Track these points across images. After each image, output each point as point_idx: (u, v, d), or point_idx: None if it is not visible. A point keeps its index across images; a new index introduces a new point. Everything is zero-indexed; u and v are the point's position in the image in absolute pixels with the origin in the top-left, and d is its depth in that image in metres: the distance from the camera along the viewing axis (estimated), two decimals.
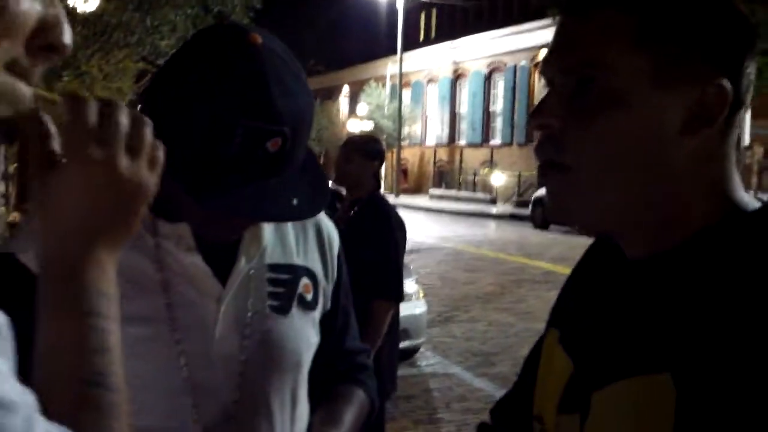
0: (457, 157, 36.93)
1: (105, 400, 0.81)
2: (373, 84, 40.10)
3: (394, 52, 39.26)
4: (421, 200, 33.07)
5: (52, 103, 0.76)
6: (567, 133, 0.92)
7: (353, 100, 44.91)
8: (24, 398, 0.64)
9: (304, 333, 1.48)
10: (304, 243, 1.54)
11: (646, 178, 0.91)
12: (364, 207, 4.31)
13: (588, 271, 1.11)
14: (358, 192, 4.35)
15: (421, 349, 7.96)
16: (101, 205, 0.82)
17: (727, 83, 0.88)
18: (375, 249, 4.13)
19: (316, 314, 1.53)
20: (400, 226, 4.26)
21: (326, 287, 1.57)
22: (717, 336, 0.82)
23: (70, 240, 0.82)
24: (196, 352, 1.35)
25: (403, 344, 7.04)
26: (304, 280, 1.51)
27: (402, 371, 7.35)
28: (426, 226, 21.46)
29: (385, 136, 34.20)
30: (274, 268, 1.47)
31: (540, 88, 29.35)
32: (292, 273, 1.49)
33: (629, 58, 0.89)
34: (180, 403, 1.34)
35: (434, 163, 39.22)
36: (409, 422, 6.23)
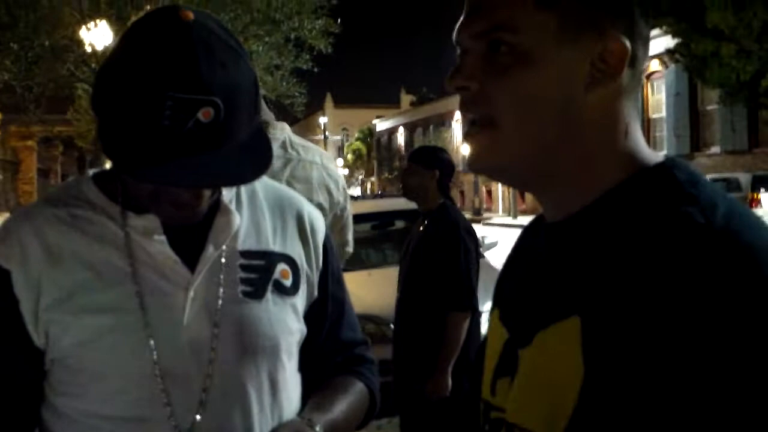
0: None
1: None
2: None
3: None
4: None
5: None
6: (485, 92, 0.97)
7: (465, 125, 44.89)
8: None
9: (282, 318, 1.46)
10: (282, 230, 1.54)
11: (557, 132, 0.95)
12: (433, 220, 4.27)
13: (519, 246, 1.17)
14: (426, 205, 4.32)
15: None
16: None
17: (625, 39, 0.94)
18: (445, 261, 4.10)
19: (297, 300, 1.51)
20: (469, 235, 4.20)
21: (310, 274, 1.55)
22: (619, 281, 0.86)
23: None
24: (166, 340, 1.36)
25: None
26: (281, 266, 1.49)
27: None
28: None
29: None
30: (247, 254, 1.46)
31: (652, 99, 28.65)
32: (266, 259, 1.48)
33: (533, 17, 0.94)
34: (151, 391, 1.35)
35: None
36: None
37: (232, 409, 1.39)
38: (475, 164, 1.01)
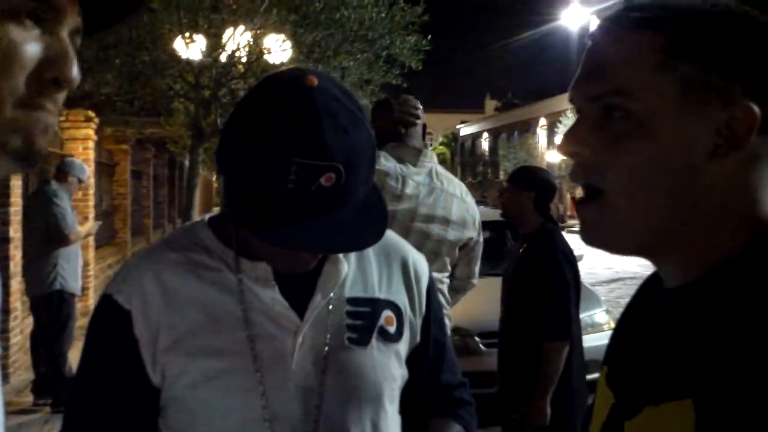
0: None
1: None
2: (570, 114, 39.46)
3: None
4: None
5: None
6: (597, 160, 0.92)
7: (551, 131, 44.47)
8: None
9: (385, 364, 1.51)
10: (387, 277, 1.58)
11: (676, 202, 0.89)
12: (531, 243, 4.19)
13: (636, 305, 1.10)
14: (525, 227, 4.25)
15: None
16: None
17: (754, 105, 0.86)
18: (541, 289, 4.03)
19: (401, 347, 1.55)
20: (568, 262, 4.10)
21: (413, 320, 1.59)
22: (739, 363, 0.80)
23: None
24: (275, 384, 1.42)
25: (595, 375, 6.84)
26: (386, 313, 1.54)
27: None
28: None
29: None
30: (354, 301, 1.52)
31: None
32: (372, 306, 1.53)
33: (652, 83, 0.88)
34: None
35: None
36: None
37: None
38: (584, 237, 0.97)
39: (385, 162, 3.08)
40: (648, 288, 1.08)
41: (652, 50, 0.89)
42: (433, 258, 3.07)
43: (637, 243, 0.94)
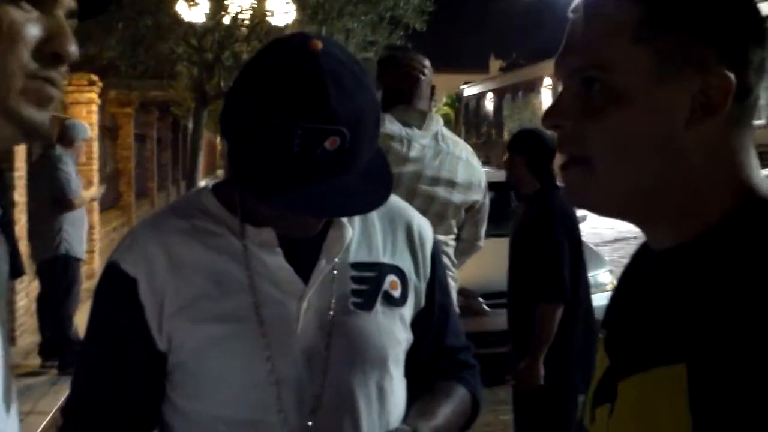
0: None
1: None
2: None
3: None
4: None
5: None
6: (581, 130, 0.94)
7: (555, 92, 44.18)
8: None
9: (390, 329, 1.52)
10: (392, 241, 1.59)
11: (658, 168, 0.91)
12: (530, 206, 4.24)
13: (632, 269, 1.11)
14: (524, 190, 4.31)
15: None
16: None
17: (729, 72, 0.88)
18: (535, 251, 4.08)
19: (405, 311, 1.56)
20: (564, 226, 4.11)
21: (418, 284, 1.60)
22: (732, 328, 0.81)
23: None
24: (281, 348, 1.43)
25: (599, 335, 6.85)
26: (391, 277, 1.54)
27: None
28: None
29: None
30: (358, 266, 1.52)
31: None
32: (376, 271, 1.53)
33: (629, 56, 0.90)
34: (264, 395, 1.42)
35: None
36: None
37: (343, 416, 1.46)
38: (568, 199, 1.00)
39: (390, 125, 3.07)
40: (643, 251, 1.10)
41: (629, 22, 0.90)
42: (438, 221, 3.07)
43: (618, 206, 0.97)
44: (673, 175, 0.91)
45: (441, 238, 3.03)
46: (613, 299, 1.13)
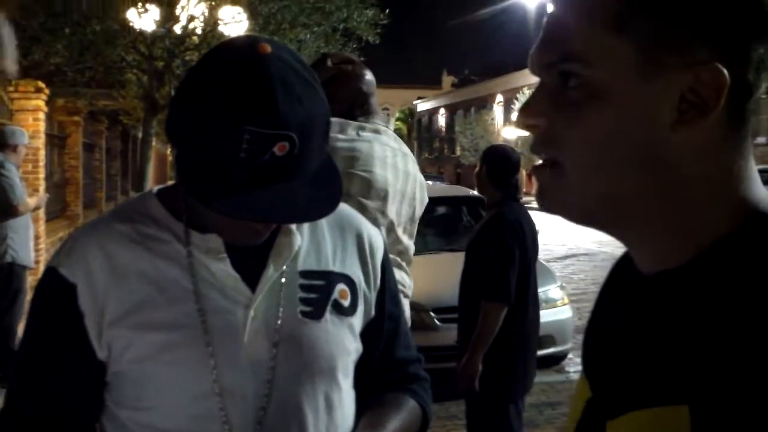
0: None
1: None
2: (527, 91, 39.62)
3: None
4: None
5: None
6: (554, 130, 0.84)
7: (507, 108, 44.66)
8: None
9: (339, 338, 1.49)
10: (342, 250, 1.56)
11: (638, 174, 0.81)
12: (488, 215, 4.42)
13: (609, 290, 1.00)
14: (488, 201, 4.47)
15: (570, 356, 7.78)
16: None
17: (722, 67, 0.76)
18: (487, 255, 4.21)
19: (355, 320, 1.53)
20: (516, 236, 4.23)
21: (368, 294, 1.57)
22: (740, 368, 0.71)
23: None
24: (226, 358, 1.39)
25: (548, 350, 6.99)
26: (340, 286, 1.51)
27: (548, 378, 7.25)
28: (584, 230, 21.01)
29: None
30: (307, 274, 1.49)
31: None
32: (326, 279, 1.50)
33: (607, 47, 0.80)
34: (209, 408, 1.38)
35: None
36: (554, 429, 6.08)
37: (289, 429, 1.42)
38: (539, 203, 0.89)
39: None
40: (618, 272, 0.99)
41: (606, 9, 0.80)
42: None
43: (590, 213, 0.86)
44: (656, 183, 0.81)
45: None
46: (592, 322, 1.02)
